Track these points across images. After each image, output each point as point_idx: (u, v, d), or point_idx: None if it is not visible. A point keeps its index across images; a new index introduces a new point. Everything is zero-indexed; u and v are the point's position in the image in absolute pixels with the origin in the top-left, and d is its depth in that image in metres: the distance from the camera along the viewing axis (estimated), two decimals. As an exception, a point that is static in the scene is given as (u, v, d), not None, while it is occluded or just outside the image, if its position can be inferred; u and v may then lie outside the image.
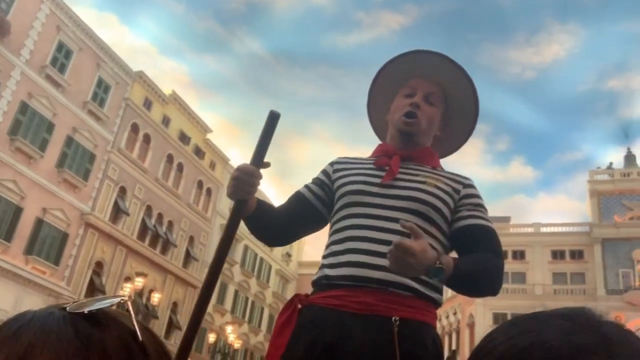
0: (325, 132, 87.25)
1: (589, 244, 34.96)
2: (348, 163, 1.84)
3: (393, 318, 1.47)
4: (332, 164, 1.88)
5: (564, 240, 35.89)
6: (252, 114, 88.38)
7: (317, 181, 1.84)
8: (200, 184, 29.94)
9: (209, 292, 1.36)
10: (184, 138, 28.68)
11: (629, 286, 32.59)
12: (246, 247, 33.65)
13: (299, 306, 1.62)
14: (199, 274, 29.12)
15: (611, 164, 38.51)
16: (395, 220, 1.59)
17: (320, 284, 1.63)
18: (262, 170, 1.53)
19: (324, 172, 1.86)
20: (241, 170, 1.50)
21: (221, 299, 30.95)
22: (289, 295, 38.21)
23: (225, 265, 31.37)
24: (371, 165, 1.78)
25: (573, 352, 0.51)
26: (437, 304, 1.60)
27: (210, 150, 31.09)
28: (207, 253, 30.05)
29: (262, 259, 35.53)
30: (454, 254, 1.67)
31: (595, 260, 34.19)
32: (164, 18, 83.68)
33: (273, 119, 1.45)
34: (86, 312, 0.56)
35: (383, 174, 1.72)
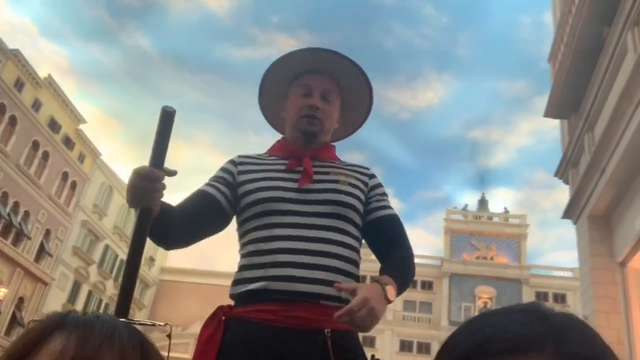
0: (206, 139, 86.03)
1: (439, 277, 37.66)
2: (253, 164, 1.75)
3: (325, 330, 1.47)
4: (234, 163, 1.77)
5: (417, 271, 37.82)
6: (131, 109, 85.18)
7: (221, 180, 1.71)
8: (65, 176, 28.37)
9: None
10: (54, 126, 27.13)
11: (469, 319, 35.48)
12: (107, 247, 32.27)
13: (223, 319, 1.53)
14: (51, 270, 27.49)
15: (466, 205, 41.94)
16: (318, 227, 1.58)
17: (247, 297, 1.55)
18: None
19: (227, 171, 1.74)
20: (141, 175, 1.31)
21: (72, 299, 29.36)
22: (147, 301, 37.31)
23: (81, 264, 29.92)
24: (281, 167, 1.72)
25: (527, 341, 0.55)
26: None
27: (81, 142, 29.62)
28: (62, 249, 28.45)
29: (122, 261, 34.15)
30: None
31: (442, 292, 36.89)
32: (51, -2, 78.42)
33: (168, 116, 1.28)
34: (140, 322, 0.68)
35: (295, 176, 1.68)
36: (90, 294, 31.12)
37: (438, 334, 34.08)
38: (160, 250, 39.82)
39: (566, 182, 8.55)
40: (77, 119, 29.16)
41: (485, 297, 36.22)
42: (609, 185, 7.03)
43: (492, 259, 37.57)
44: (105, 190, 32.24)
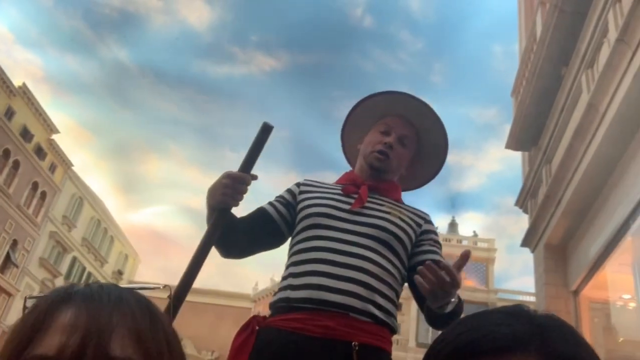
0: (181, 154, 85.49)
1: (408, 298, 37.85)
2: (315, 186, 1.83)
3: (353, 343, 1.47)
4: (298, 184, 1.86)
5: (387, 292, 38.47)
6: (106, 121, 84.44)
7: (282, 200, 1.82)
8: (35, 186, 28.05)
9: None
10: (26, 134, 26.88)
11: (436, 341, 35.75)
12: (74, 259, 31.84)
13: (257, 328, 1.58)
14: (17, 281, 27.02)
15: (437, 228, 42.27)
16: (359, 245, 1.61)
17: (280, 306, 1.60)
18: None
19: (290, 191, 1.84)
20: (233, 177, 1.47)
21: (36, 311, 28.83)
22: (113, 314, 36.79)
23: (47, 276, 29.46)
24: (339, 191, 1.78)
25: (513, 342, 0.58)
26: (393, 330, 1.62)
27: (53, 152, 29.38)
28: (29, 260, 28.01)
29: (90, 274, 33.75)
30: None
31: (411, 313, 37.12)
32: (29, 7, 77.71)
33: (266, 131, 1.42)
34: (148, 287, 0.67)
35: (351, 200, 1.73)
36: (55, 306, 30.58)
37: (406, 355, 34.27)
38: (129, 264, 39.40)
39: (525, 211, 8.89)
40: (50, 128, 28.95)
41: (452, 320, 36.55)
42: (564, 216, 7.36)
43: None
44: (76, 202, 31.92)
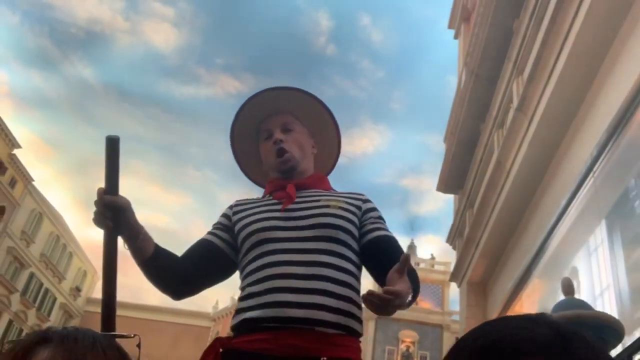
0: (143, 171, 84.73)
1: (365, 320, 38.31)
2: (247, 203, 1.79)
3: (321, 358, 1.44)
4: (231, 207, 1.82)
5: (345, 312, 38.93)
6: (69, 137, 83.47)
7: (220, 226, 1.76)
8: (-6, 201, 27.90)
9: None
10: (-14, 149, 26.81)
11: (392, 362, 36.42)
12: (32, 275, 31.54)
13: (220, 350, 1.52)
14: (-30, 297, 26.71)
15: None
16: (310, 251, 1.56)
17: (243, 327, 1.53)
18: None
19: (225, 215, 1.79)
20: (97, 200, 1.41)
21: (-10, 328, 28.52)
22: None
23: (3, 292, 29.13)
24: (270, 200, 1.74)
25: (535, 345, 0.57)
26: (360, 334, 1.56)
27: (14, 167, 29.25)
28: (-15, 275, 27.75)
29: (47, 290, 33.45)
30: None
31: (368, 334, 37.69)
32: (-6, 23, 76.70)
33: (112, 144, 1.37)
34: (120, 335, 0.70)
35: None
36: (10, 323, 30.24)
37: (362, 375, 34.72)
38: (88, 280, 39.11)
39: (454, 248, 9.64)
40: (12, 143, 28.86)
41: (408, 341, 37.20)
42: (482, 257, 8.11)
43: (417, 304, 38.60)
44: (35, 217, 31.73)
